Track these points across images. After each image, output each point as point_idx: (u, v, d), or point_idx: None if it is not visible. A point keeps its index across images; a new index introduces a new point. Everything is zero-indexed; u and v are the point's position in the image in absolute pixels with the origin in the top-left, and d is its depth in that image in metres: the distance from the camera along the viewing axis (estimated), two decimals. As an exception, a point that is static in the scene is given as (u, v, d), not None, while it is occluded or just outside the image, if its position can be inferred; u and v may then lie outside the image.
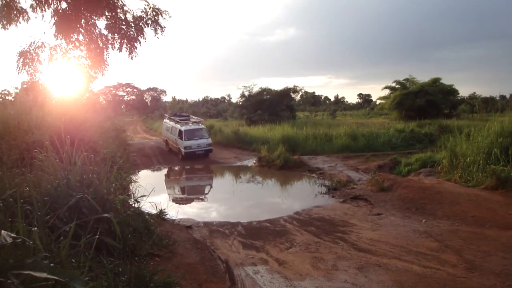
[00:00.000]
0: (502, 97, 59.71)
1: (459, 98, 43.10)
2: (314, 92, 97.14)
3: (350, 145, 21.81)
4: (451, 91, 40.20)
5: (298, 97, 56.39)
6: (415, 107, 37.15)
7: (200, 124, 24.39)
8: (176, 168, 21.56)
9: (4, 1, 8.67)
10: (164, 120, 26.93)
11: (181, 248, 7.25)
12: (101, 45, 9.51)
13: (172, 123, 24.78)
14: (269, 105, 40.65)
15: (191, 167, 21.25)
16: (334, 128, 26.50)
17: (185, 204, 13.31)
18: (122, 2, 9.23)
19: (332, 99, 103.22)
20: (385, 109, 45.21)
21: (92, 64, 9.57)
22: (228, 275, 6.39)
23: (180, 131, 22.86)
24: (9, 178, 4.87)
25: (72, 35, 9.00)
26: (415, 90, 38.97)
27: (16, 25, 8.99)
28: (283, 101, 42.66)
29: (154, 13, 9.55)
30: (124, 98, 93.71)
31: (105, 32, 9.48)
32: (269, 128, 28.32)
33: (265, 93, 42.61)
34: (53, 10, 8.75)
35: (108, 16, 9.25)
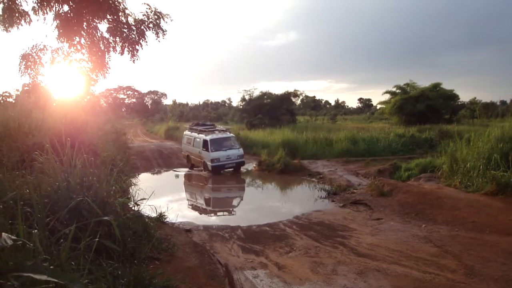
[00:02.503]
0: (503, 102, 59.73)
1: (459, 103, 43.13)
2: (314, 96, 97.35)
3: (350, 150, 21.82)
4: (451, 96, 40.18)
5: (298, 101, 56.53)
6: (416, 112, 37.13)
7: (228, 132, 21.30)
8: (176, 171, 21.51)
9: (6, 4, 8.71)
10: (184, 132, 23.26)
11: (181, 252, 7.23)
12: (102, 48, 9.56)
13: (194, 134, 21.23)
14: (270, 109, 40.66)
15: (190, 170, 21.19)
16: (335, 132, 26.48)
17: (186, 207, 13.32)
18: (124, 5, 9.30)
19: (333, 103, 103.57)
20: (385, 113, 45.19)
21: (94, 67, 9.61)
22: (227, 279, 6.38)
23: (205, 142, 19.48)
24: (9, 180, 4.88)
25: (74, 38, 9.04)
26: (415, 95, 38.97)
27: (18, 27, 9.03)
28: (283, 105, 42.67)
29: (156, 17, 9.61)
30: (125, 101, 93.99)
31: (106, 35, 9.54)
32: (270, 132, 28.27)
33: (265, 97, 42.65)
34: (55, 13, 8.80)
35: (110, 20, 9.31)
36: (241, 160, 19.76)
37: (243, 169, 20.33)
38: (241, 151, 19.91)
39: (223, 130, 21.35)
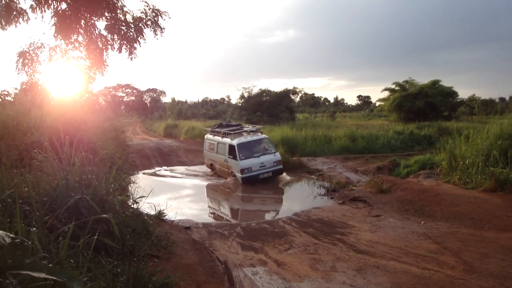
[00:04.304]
0: (502, 99, 59.58)
1: (458, 100, 43.04)
2: (313, 94, 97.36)
3: (349, 147, 21.78)
4: (450, 93, 40.13)
5: (297, 99, 56.43)
6: (415, 109, 37.11)
7: (260, 133, 17.40)
8: (174, 168, 21.42)
9: (4, 2, 8.68)
10: (206, 136, 19.46)
11: (180, 249, 7.24)
12: (100, 46, 9.54)
13: (217, 138, 17.64)
14: (269, 107, 40.62)
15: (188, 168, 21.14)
16: (334, 129, 26.47)
17: (185, 205, 13.33)
18: (122, 3, 9.28)
19: (332, 100, 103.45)
20: (384, 111, 45.17)
21: (92, 64, 9.61)
22: (226, 276, 6.38)
23: (231, 147, 16.07)
24: (8, 178, 4.87)
25: (71, 36, 9.03)
26: (414, 92, 38.92)
27: (15, 25, 9.01)
28: (282, 103, 42.57)
29: (154, 14, 9.59)
30: (124, 99, 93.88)
31: (104, 33, 9.53)
32: (269, 130, 28.08)
33: (264, 94, 42.59)
34: (53, 10, 8.78)
35: (108, 17, 9.29)
36: (279, 168, 16.22)
37: None
38: (277, 156, 16.29)
39: (253, 131, 17.39)
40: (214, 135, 18.18)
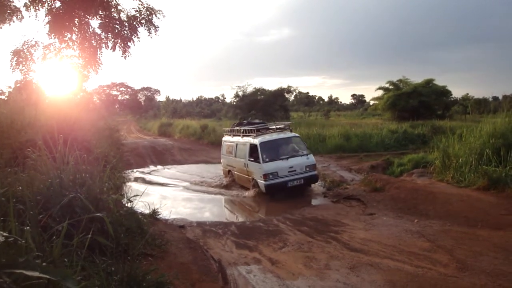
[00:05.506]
0: (495, 98, 60.15)
1: (452, 99, 43.41)
2: (308, 93, 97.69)
3: (344, 146, 21.84)
4: (444, 92, 40.43)
5: (292, 97, 56.45)
6: (408, 108, 37.33)
7: (288, 131, 14.15)
8: (167, 168, 21.34)
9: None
10: (223, 138, 16.42)
11: (174, 248, 7.23)
12: (94, 44, 9.54)
13: (237, 139, 14.67)
14: (263, 105, 40.68)
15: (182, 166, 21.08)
16: (328, 128, 26.48)
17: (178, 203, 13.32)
18: (116, 1, 9.28)
19: (326, 99, 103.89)
20: (378, 109, 45.43)
21: (85, 63, 9.59)
22: (221, 275, 6.39)
23: (252, 147, 13.12)
24: (1, 177, 4.85)
25: (65, 34, 9.00)
26: (408, 91, 39.17)
27: (9, 24, 8.99)
28: (277, 101, 42.64)
29: (148, 13, 9.58)
30: (118, 98, 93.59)
31: (98, 31, 9.53)
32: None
33: (259, 93, 42.60)
34: (47, 9, 8.76)
35: (102, 15, 9.28)
36: (312, 174, 13.08)
37: None
38: (311, 158, 13.21)
39: (279, 128, 14.28)
40: (233, 135, 15.33)
